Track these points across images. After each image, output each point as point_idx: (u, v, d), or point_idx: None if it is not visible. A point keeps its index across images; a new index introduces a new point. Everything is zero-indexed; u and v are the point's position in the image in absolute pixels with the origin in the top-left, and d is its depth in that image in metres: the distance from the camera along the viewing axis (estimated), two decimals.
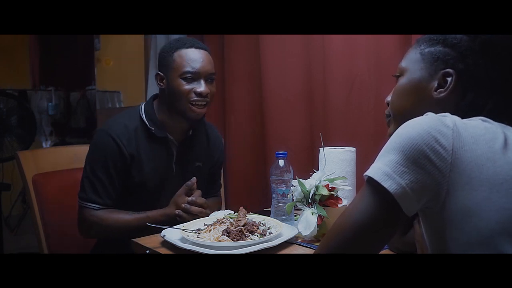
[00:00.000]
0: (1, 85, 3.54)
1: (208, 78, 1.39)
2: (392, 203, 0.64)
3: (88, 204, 1.37)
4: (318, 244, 1.13)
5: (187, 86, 1.35)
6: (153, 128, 1.40)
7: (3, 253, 2.73)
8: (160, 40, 2.40)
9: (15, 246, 3.19)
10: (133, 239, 1.23)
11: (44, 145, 4.20)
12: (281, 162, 1.34)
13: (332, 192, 1.21)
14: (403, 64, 0.83)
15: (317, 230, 1.17)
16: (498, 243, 0.62)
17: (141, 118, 1.41)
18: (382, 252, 0.91)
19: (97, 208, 1.37)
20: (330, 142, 1.55)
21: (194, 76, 1.36)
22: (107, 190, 1.37)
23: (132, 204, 1.42)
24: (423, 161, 0.63)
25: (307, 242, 1.19)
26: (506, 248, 0.61)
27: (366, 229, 0.66)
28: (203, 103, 1.38)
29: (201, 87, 1.36)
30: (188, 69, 1.35)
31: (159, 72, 1.41)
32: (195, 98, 1.36)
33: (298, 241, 1.20)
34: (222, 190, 1.97)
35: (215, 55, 2.23)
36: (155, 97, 1.48)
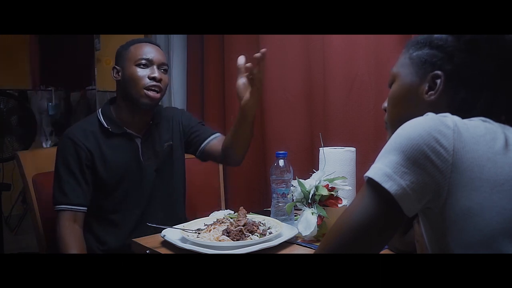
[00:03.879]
0: (1, 85, 3.54)
1: (161, 67, 1.45)
2: (393, 203, 0.64)
3: (58, 207, 1.38)
4: (318, 244, 1.13)
5: (142, 73, 1.42)
6: (109, 127, 1.45)
7: (3, 253, 2.73)
8: (160, 40, 2.39)
9: (15, 246, 3.19)
10: (133, 239, 1.23)
11: (44, 145, 4.20)
12: (281, 162, 1.34)
13: (332, 192, 1.21)
14: (395, 70, 0.83)
15: (317, 230, 1.17)
16: (499, 244, 0.62)
17: (98, 120, 1.46)
18: (382, 252, 0.91)
19: (65, 209, 1.37)
20: (330, 142, 1.55)
21: (148, 63, 1.43)
22: (73, 188, 1.38)
23: (106, 201, 1.44)
24: (423, 162, 0.63)
25: (307, 242, 1.19)
26: (507, 249, 0.61)
27: (366, 230, 0.66)
28: (157, 89, 1.43)
29: (155, 72, 1.42)
30: (142, 56, 1.43)
31: (115, 66, 1.48)
32: (149, 83, 1.41)
33: (298, 241, 1.20)
34: (222, 190, 1.98)
35: (215, 55, 2.25)
36: (112, 100, 1.53)
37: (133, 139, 1.48)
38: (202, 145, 1.54)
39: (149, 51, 1.44)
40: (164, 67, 1.46)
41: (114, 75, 1.48)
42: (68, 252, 1.33)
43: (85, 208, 1.41)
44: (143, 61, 1.42)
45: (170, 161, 1.54)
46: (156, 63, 1.44)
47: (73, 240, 1.35)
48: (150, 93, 1.41)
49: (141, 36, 2.19)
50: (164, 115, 1.58)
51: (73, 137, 1.41)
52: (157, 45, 1.50)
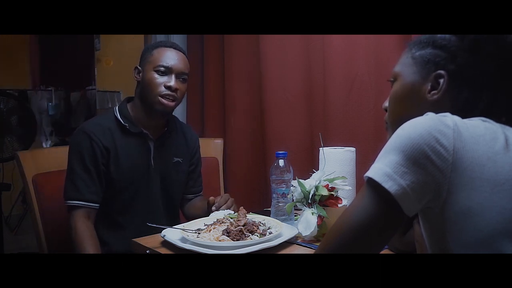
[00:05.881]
0: (1, 85, 3.53)
1: (180, 77, 1.46)
2: (393, 203, 0.64)
3: (70, 202, 1.39)
4: (318, 244, 1.13)
5: (159, 79, 1.43)
6: (127, 124, 1.45)
7: (3, 253, 2.73)
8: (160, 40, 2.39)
9: (15, 246, 3.19)
10: (133, 239, 1.23)
11: (44, 145, 4.20)
12: (281, 162, 1.34)
13: (332, 192, 1.21)
14: (397, 69, 0.83)
15: (317, 230, 1.17)
16: (499, 243, 0.62)
17: (115, 117, 1.47)
18: (382, 252, 0.91)
19: (78, 205, 1.38)
20: (330, 142, 1.55)
21: (167, 71, 1.43)
22: (87, 184, 1.39)
23: (113, 201, 1.45)
24: (424, 162, 0.63)
25: (307, 242, 1.19)
26: (507, 249, 0.61)
27: (366, 230, 0.66)
28: (171, 97, 1.43)
29: (172, 81, 1.43)
30: (162, 63, 1.43)
31: (137, 66, 1.49)
32: (165, 92, 1.42)
33: (298, 241, 1.20)
34: (222, 190, 1.98)
35: (215, 55, 2.25)
36: (129, 99, 1.54)
37: (147, 141, 1.49)
38: (188, 196, 1.66)
39: (170, 58, 1.44)
40: (183, 76, 1.46)
41: (135, 75, 1.49)
42: (84, 250, 1.33)
43: (98, 205, 1.41)
44: (162, 68, 1.42)
45: (176, 173, 1.56)
46: (175, 71, 1.44)
47: (89, 239, 1.36)
48: (164, 100, 1.42)
49: (140, 36, 2.19)
50: (180, 129, 1.61)
51: (89, 133, 1.41)
52: (182, 51, 1.49)
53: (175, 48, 1.47)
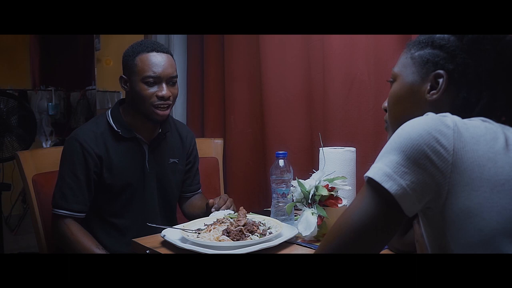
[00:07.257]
0: (1, 85, 3.54)
1: (170, 81, 1.41)
2: (393, 203, 0.64)
3: (56, 210, 1.39)
4: (318, 244, 1.13)
5: (149, 90, 1.38)
6: (120, 130, 1.43)
7: (3, 253, 2.73)
8: (160, 40, 2.39)
9: (15, 246, 3.20)
10: (133, 239, 1.23)
11: (44, 145, 4.20)
12: (281, 162, 1.34)
13: (332, 192, 1.21)
14: (396, 69, 0.83)
15: (317, 231, 1.17)
16: (499, 243, 0.62)
17: (108, 122, 1.44)
18: (382, 252, 0.91)
19: (65, 214, 1.37)
20: (330, 142, 1.55)
21: (156, 80, 1.38)
22: (74, 194, 1.38)
23: (109, 205, 1.44)
24: (424, 162, 0.63)
25: (307, 242, 1.19)
26: (507, 249, 0.61)
27: (366, 230, 0.66)
28: (166, 105, 1.40)
29: (163, 90, 1.38)
30: (150, 73, 1.37)
31: (122, 76, 1.44)
32: (158, 102, 1.39)
33: (298, 241, 1.20)
34: (222, 190, 1.98)
35: (215, 55, 2.25)
36: (121, 102, 1.51)
37: (141, 145, 1.47)
38: (187, 195, 1.65)
39: (156, 65, 1.37)
40: (173, 79, 1.42)
41: (122, 84, 1.44)
42: (84, 244, 1.35)
43: (83, 214, 1.41)
44: (151, 79, 1.37)
45: (172, 174, 1.55)
46: (165, 78, 1.39)
47: (84, 235, 1.37)
48: (159, 111, 1.39)
49: (140, 36, 2.19)
50: (175, 129, 1.59)
51: (82, 142, 1.38)
52: (165, 52, 1.42)
53: (157, 51, 1.40)
